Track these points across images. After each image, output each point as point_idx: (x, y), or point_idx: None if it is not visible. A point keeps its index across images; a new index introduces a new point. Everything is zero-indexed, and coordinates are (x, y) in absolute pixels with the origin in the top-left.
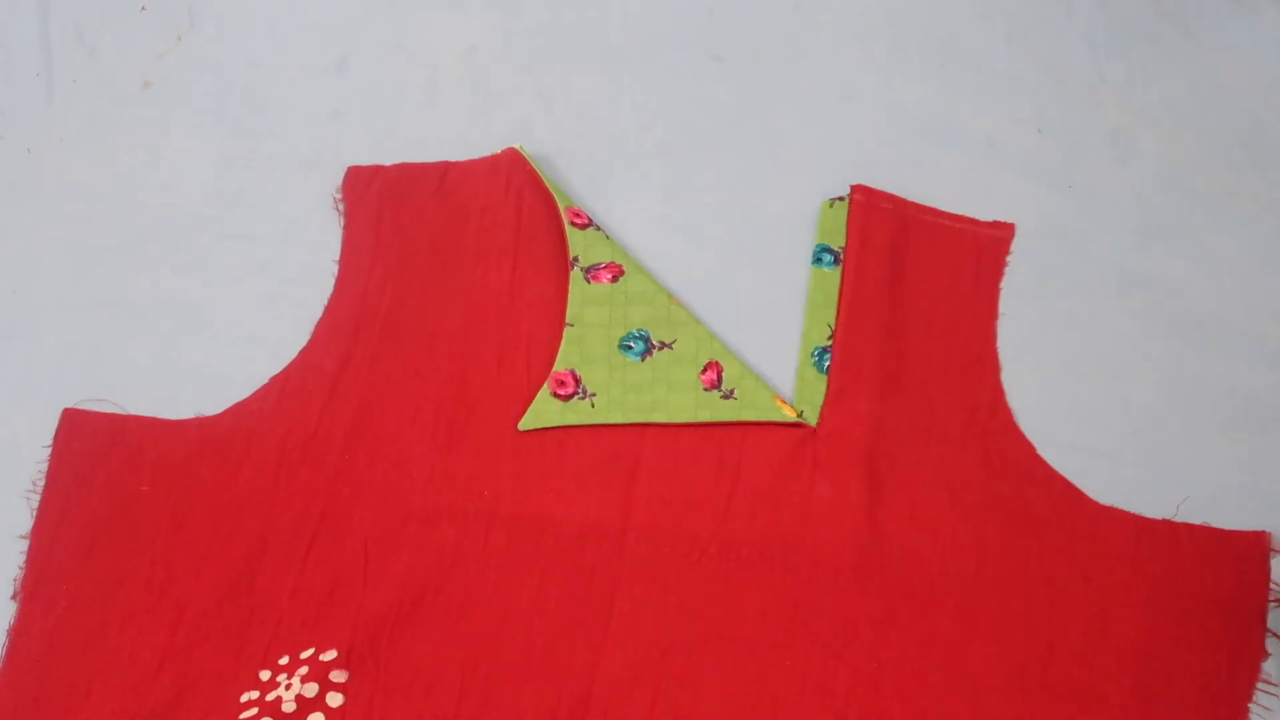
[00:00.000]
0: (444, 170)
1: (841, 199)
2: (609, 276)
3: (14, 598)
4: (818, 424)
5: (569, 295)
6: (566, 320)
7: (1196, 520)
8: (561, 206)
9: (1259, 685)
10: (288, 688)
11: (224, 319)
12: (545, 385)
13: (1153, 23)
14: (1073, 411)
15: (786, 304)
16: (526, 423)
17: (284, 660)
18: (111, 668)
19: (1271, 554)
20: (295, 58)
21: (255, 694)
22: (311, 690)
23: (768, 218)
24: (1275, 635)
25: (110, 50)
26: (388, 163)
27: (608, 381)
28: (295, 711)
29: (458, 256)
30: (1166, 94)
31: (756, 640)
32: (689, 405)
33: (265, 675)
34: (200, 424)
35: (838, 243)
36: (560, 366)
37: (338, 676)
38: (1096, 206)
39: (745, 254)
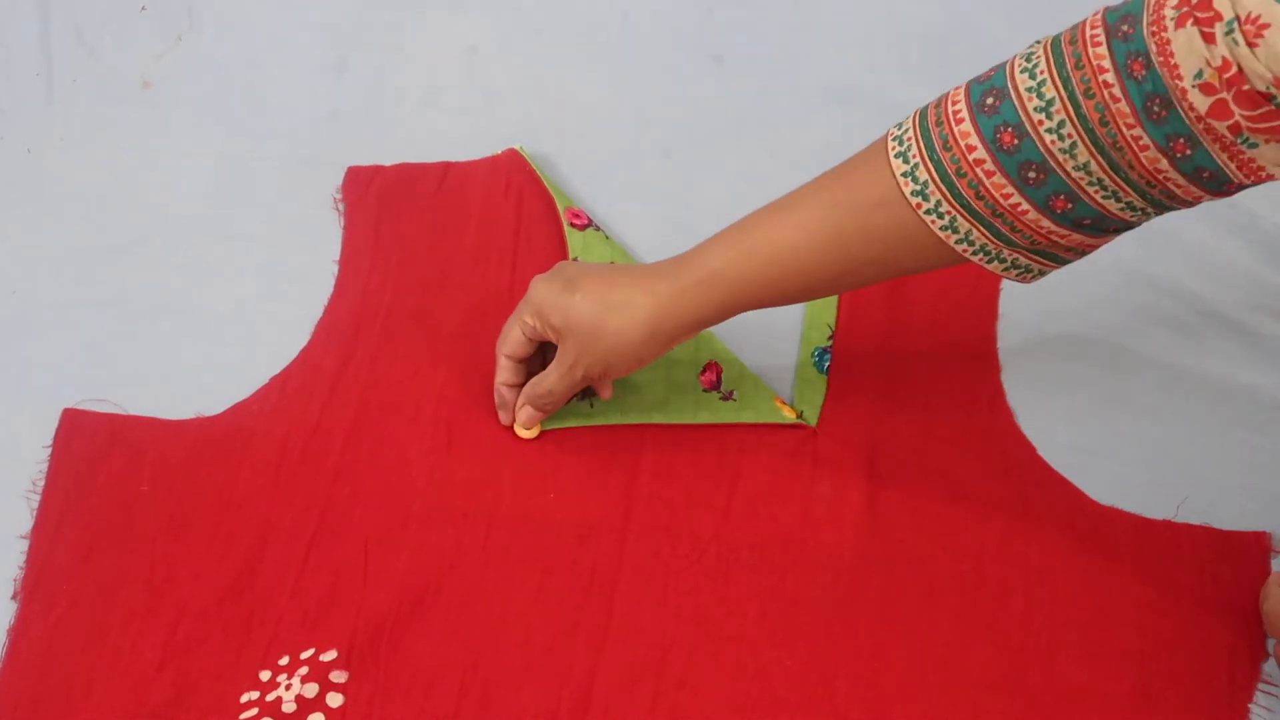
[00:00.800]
0: (444, 170)
1: None
2: None
3: (14, 598)
4: (817, 424)
5: None
6: None
7: (1196, 520)
8: (561, 207)
9: (1259, 685)
10: (288, 688)
11: (224, 319)
12: None
13: None
14: (1072, 412)
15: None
16: None
17: (284, 660)
18: (112, 668)
19: (1272, 554)
20: (295, 58)
21: (255, 694)
22: (312, 690)
23: None
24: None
25: (110, 50)
26: (388, 163)
27: None
28: (295, 712)
29: (458, 256)
30: None
31: (757, 640)
32: (688, 406)
33: (265, 675)
34: (200, 424)
35: None
36: None
37: (338, 677)
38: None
39: None
